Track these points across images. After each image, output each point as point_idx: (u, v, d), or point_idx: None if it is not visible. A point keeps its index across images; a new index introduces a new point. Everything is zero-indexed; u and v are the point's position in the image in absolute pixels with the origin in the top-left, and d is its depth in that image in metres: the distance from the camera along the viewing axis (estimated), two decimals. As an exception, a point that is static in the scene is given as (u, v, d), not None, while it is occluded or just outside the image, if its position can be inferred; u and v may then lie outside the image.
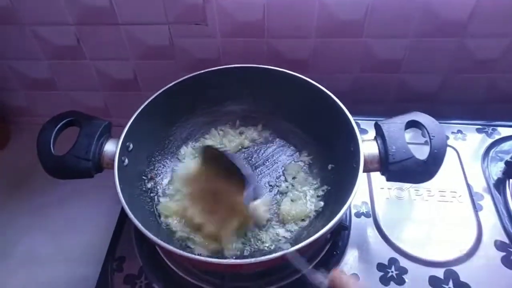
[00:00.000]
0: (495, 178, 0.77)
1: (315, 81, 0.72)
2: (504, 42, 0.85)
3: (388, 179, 0.62)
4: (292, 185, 0.75)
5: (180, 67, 0.91)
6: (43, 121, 0.64)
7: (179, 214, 0.69)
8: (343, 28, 0.83)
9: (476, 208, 0.73)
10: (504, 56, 0.87)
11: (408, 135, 0.67)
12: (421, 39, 0.85)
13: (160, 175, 0.77)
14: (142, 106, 0.69)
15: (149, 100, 0.70)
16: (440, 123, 0.62)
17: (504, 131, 0.85)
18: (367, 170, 0.62)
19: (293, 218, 0.70)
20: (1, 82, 0.97)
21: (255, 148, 0.82)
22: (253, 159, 0.80)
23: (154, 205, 0.72)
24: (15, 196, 0.92)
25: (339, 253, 0.68)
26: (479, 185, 0.76)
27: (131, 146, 0.67)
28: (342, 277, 0.51)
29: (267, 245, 0.67)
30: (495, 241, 0.68)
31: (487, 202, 0.74)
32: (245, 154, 0.81)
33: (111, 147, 0.64)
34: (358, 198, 0.76)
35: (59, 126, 0.63)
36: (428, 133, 0.60)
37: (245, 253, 0.66)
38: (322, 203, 0.71)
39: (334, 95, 0.69)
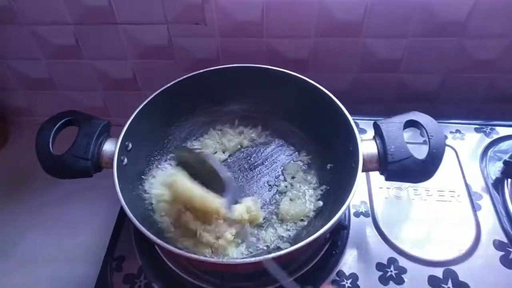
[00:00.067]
0: (494, 177, 0.78)
1: (314, 81, 0.72)
2: (503, 42, 0.85)
3: (387, 179, 0.62)
4: (291, 185, 0.75)
5: (179, 67, 0.91)
6: (42, 120, 0.64)
7: (172, 216, 0.68)
8: (342, 27, 0.83)
9: (475, 207, 0.73)
10: (503, 56, 0.87)
11: (407, 135, 0.68)
12: (420, 39, 0.85)
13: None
14: (141, 106, 0.69)
15: (148, 99, 0.70)
16: (438, 122, 0.62)
17: (502, 131, 0.85)
18: (366, 169, 0.62)
19: (292, 218, 0.70)
20: (0, 82, 0.97)
21: (254, 148, 0.82)
22: (252, 159, 0.80)
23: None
24: (14, 196, 0.92)
25: (338, 253, 0.68)
26: (477, 184, 0.77)
27: (130, 145, 0.67)
28: None
29: (266, 244, 0.67)
30: (494, 241, 0.69)
31: (485, 202, 0.74)
32: (244, 154, 0.81)
33: (110, 147, 0.64)
34: (357, 197, 0.76)
35: (58, 125, 0.63)
36: (427, 132, 0.61)
37: (244, 253, 0.66)
38: (321, 203, 0.71)
39: (333, 95, 0.69)
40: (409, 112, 0.64)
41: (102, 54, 0.90)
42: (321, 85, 0.71)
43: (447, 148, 0.76)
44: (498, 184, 0.76)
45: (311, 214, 0.71)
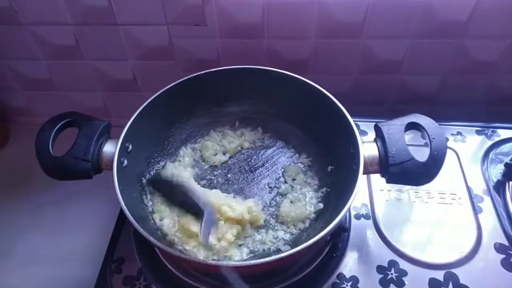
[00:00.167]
0: (495, 180, 0.77)
1: (314, 82, 0.72)
2: (504, 43, 0.85)
3: (388, 181, 0.62)
4: (292, 187, 0.75)
5: (180, 68, 0.91)
6: (42, 121, 0.63)
7: (172, 218, 0.68)
8: (342, 29, 0.83)
9: (476, 210, 0.73)
10: (504, 57, 0.87)
11: (408, 137, 0.67)
12: (421, 40, 0.85)
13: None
14: (142, 107, 0.69)
15: (149, 101, 0.70)
16: (440, 125, 0.62)
17: (503, 133, 0.85)
18: (367, 172, 0.62)
19: (292, 220, 0.70)
20: (0, 82, 0.97)
21: (255, 150, 0.82)
22: (252, 161, 0.80)
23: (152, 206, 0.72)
24: (14, 196, 0.92)
25: (338, 255, 0.68)
26: (479, 187, 0.76)
27: (131, 147, 0.67)
28: None
29: (267, 246, 0.67)
30: (495, 244, 0.68)
31: (486, 205, 0.74)
32: (245, 156, 0.81)
33: (110, 148, 0.63)
34: (357, 200, 0.76)
35: (58, 126, 0.63)
36: (428, 135, 0.60)
37: (245, 255, 0.66)
38: (321, 205, 0.71)
39: (334, 97, 0.69)
40: (410, 114, 0.63)
41: (102, 54, 0.90)
42: (321, 86, 0.71)
43: (448, 151, 0.77)
44: (499, 187, 0.76)
45: (312, 216, 0.71)
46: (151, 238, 0.54)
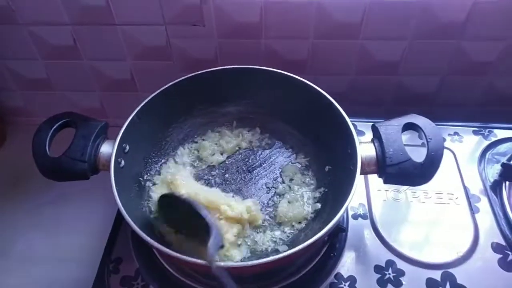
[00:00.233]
0: (492, 180, 0.78)
1: (312, 82, 0.72)
2: (501, 44, 0.85)
3: (385, 182, 0.62)
4: (289, 187, 0.75)
5: (178, 68, 0.91)
6: (40, 121, 0.63)
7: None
8: (340, 29, 0.83)
9: (473, 210, 0.73)
10: (501, 58, 0.87)
11: (405, 137, 0.68)
12: (419, 41, 0.85)
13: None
14: (139, 107, 0.69)
15: (146, 101, 0.70)
16: (437, 125, 0.62)
17: (500, 133, 0.85)
18: (364, 172, 0.62)
19: (290, 220, 0.70)
20: (-3, 82, 0.97)
21: (252, 150, 0.82)
22: (250, 161, 0.80)
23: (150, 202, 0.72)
24: (11, 197, 0.92)
25: (336, 255, 0.68)
26: (475, 187, 0.77)
27: (128, 147, 0.67)
28: None
29: (264, 246, 0.67)
30: (492, 243, 0.69)
31: (483, 204, 0.74)
32: (242, 156, 0.81)
33: (107, 149, 0.63)
34: (355, 200, 0.76)
35: (54, 127, 0.62)
36: (425, 135, 0.60)
37: (245, 255, 0.66)
38: (319, 205, 0.71)
39: (332, 97, 0.69)
40: (407, 114, 0.64)
41: (100, 54, 0.90)
42: (319, 86, 0.71)
43: (445, 151, 0.76)
44: (496, 187, 0.76)
45: (309, 216, 0.71)
46: (148, 239, 0.54)
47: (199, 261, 0.53)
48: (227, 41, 0.86)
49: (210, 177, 0.78)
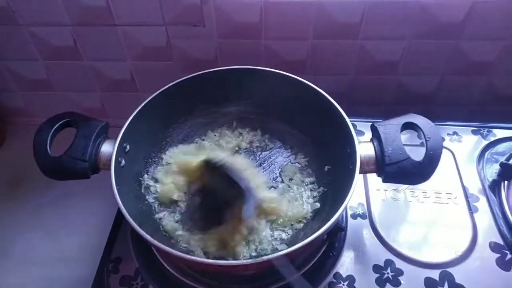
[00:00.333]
0: (490, 180, 0.78)
1: (312, 82, 0.72)
2: (500, 44, 0.85)
3: (384, 180, 0.62)
4: (289, 186, 0.75)
5: (178, 68, 0.92)
6: (40, 121, 0.64)
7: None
8: (340, 29, 0.83)
9: (472, 209, 0.73)
10: (500, 58, 0.88)
11: (404, 137, 0.68)
12: (418, 41, 0.85)
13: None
14: (139, 107, 0.69)
15: (146, 101, 0.70)
16: (435, 124, 0.62)
17: (499, 133, 0.86)
18: (363, 171, 0.62)
19: (289, 219, 0.70)
20: (-2, 83, 0.97)
21: (252, 150, 0.82)
22: (250, 161, 0.80)
23: (151, 202, 0.73)
24: (11, 196, 0.92)
25: (335, 255, 0.68)
26: (474, 186, 0.77)
27: (128, 147, 0.67)
28: None
29: (264, 246, 0.67)
30: (490, 243, 0.69)
31: (482, 204, 0.74)
32: (242, 156, 0.81)
33: (108, 148, 0.64)
34: (354, 199, 0.76)
35: (55, 127, 0.63)
36: (424, 134, 0.61)
37: (252, 253, 0.66)
38: (318, 205, 0.71)
39: (331, 97, 0.69)
40: (406, 114, 0.64)
41: (100, 55, 0.90)
42: (319, 86, 0.71)
43: (444, 150, 0.76)
44: (494, 186, 0.76)
45: (309, 215, 0.71)
46: (148, 237, 0.54)
47: (198, 259, 0.54)
48: (227, 42, 0.87)
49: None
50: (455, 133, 0.86)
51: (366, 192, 0.77)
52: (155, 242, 0.54)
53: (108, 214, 0.75)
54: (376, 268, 0.67)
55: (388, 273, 0.66)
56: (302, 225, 0.70)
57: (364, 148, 0.63)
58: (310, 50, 0.88)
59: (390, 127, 0.63)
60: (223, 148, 0.81)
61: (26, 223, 0.87)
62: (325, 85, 0.71)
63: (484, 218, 0.72)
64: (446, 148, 0.82)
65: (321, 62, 0.90)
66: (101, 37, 0.86)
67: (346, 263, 0.68)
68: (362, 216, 0.74)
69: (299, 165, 0.79)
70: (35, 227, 0.86)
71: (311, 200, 0.73)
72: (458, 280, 0.65)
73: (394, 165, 0.60)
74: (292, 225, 0.70)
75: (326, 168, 0.75)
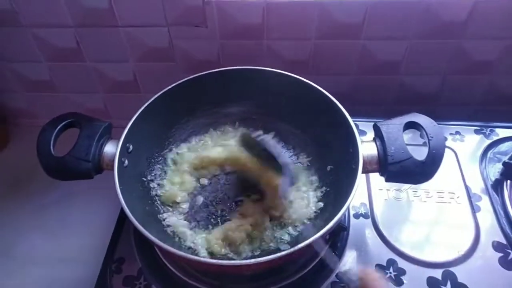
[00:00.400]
0: (493, 179, 0.78)
1: (314, 82, 0.72)
2: (502, 43, 0.85)
3: (387, 180, 0.62)
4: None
5: (180, 69, 0.92)
6: (43, 123, 0.64)
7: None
8: (342, 30, 0.84)
9: (474, 209, 0.73)
10: (502, 57, 0.87)
11: (407, 136, 0.68)
12: (420, 41, 0.85)
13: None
14: (142, 108, 0.69)
15: (149, 101, 0.70)
16: (438, 124, 0.62)
17: (502, 132, 0.85)
18: (366, 171, 0.62)
19: (292, 219, 0.70)
20: (1, 84, 0.98)
21: (255, 150, 0.82)
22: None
23: (154, 202, 0.73)
24: (14, 197, 0.92)
25: (338, 254, 0.68)
26: (477, 186, 0.77)
27: (131, 147, 0.68)
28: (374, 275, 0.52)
29: (267, 245, 0.68)
30: (493, 242, 0.69)
31: (485, 203, 0.74)
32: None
33: (111, 149, 0.64)
34: (356, 199, 0.76)
35: (59, 127, 0.63)
36: (427, 134, 0.61)
37: (255, 252, 0.67)
38: (321, 204, 0.71)
39: (333, 97, 0.69)
40: (409, 113, 0.64)
41: (103, 56, 0.90)
42: (321, 87, 0.71)
43: (446, 150, 0.77)
44: (497, 186, 0.76)
45: (312, 215, 0.71)
46: (151, 237, 0.55)
47: (201, 259, 0.54)
48: (230, 42, 0.87)
49: (212, 177, 0.78)
50: (457, 132, 0.86)
51: (369, 191, 0.77)
52: (158, 242, 0.54)
53: (111, 214, 0.75)
54: (379, 267, 0.67)
55: (390, 273, 0.66)
56: (305, 224, 0.70)
57: (367, 147, 0.63)
58: (312, 50, 0.88)
59: (392, 127, 0.63)
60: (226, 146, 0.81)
61: (29, 224, 0.87)
62: (327, 85, 0.72)
63: (487, 217, 0.72)
64: (448, 147, 0.82)
65: (323, 62, 0.90)
66: (103, 38, 0.86)
67: (348, 263, 0.68)
68: (365, 216, 0.74)
69: (302, 165, 0.79)
70: (38, 227, 0.87)
71: (313, 200, 0.73)
72: (460, 279, 0.65)
73: (397, 164, 0.60)
74: (295, 224, 0.70)
75: (328, 167, 0.75)
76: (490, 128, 0.86)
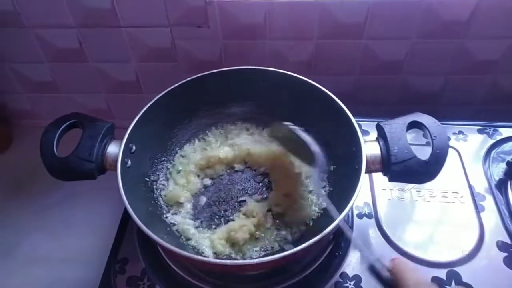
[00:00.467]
0: (497, 178, 0.78)
1: (317, 82, 0.72)
2: (505, 43, 0.85)
3: (390, 180, 0.62)
4: (295, 186, 0.75)
5: (182, 69, 0.92)
6: (46, 123, 0.64)
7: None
8: (344, 29, 0.83)
9: (478, 209, 0.73)
10: (505, 57, 0.87)
11: (410, 136, 0.67)
12: (422, 40, 0.85)
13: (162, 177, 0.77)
14: (145, 108, 0.69)
15: (152, 102, 0.70)
16: (441, 124, 0.62)
17: (505, 132, 0.85)
18: (369, 170, 0.62)
19: (296, 219, 0.70)
20: (4, 85, 0.98)
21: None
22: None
23: (157, 203, 0.73)
24: (17, 198, 0.92)
25: (341, 254, 0.68)
26: (481, 186, 0.77)
27: (134, 147, 0.68)
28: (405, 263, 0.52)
29: (270, 245, 0.67)
30: (497, 242, 0.69)
31: (489, 203, 0.74)
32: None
33: (114, 149, 0.64)
34: (360, 199, 0.76)
35: (62, 127, 0.63)
36: (430, 133, 0.61)
37: (260, 251, 0.67)
38: (324, 204, 0.71)
39: (336, 97, 0.69)
40: (412, 113, 0.64)
41: (105, 56, 0.90)
42: (324, 86, 0.71)
43: (450, 150, 0.76)
44: (501, 185, 0.76)
45: (315, 215, 0.71)
46: (155, 237, 0.55)
47: (205, 259, 0.54)
48: (232, 42, 0.87)
49: (216, 177, 0.78)
50: (461, 132, 0.86)
51: (372, 191, 0.77)
52: (162, 242, 0.54)
53: (115, 214, 0.75)
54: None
55: (394, 273, 0.66)
56: (308, 224, 0.70)
57: (370, 147, 0.63)
58: (314, 50, 0.88)
59: (395, 126, 0.63)
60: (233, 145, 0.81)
61: (32, 224, 0.87)
62: (329, 85, 0.71)
63: (491, 217, 0.72)
64: (452, 147, 0.82)
65: (325, 62, 0.90)
66: (106, 39, 0.86)
67: (352, 263, 0.68)
68: (368, 216, 0.74)
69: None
70: (41, 228, 0.87)
71: (317, 200, 0.73)
72: (465, 279, 0.64)
73: (400, 164, 0.60)
74: (298, 224, 0.70)
75: (331, 167, 0.75)
76: (493, 128, 0.86)
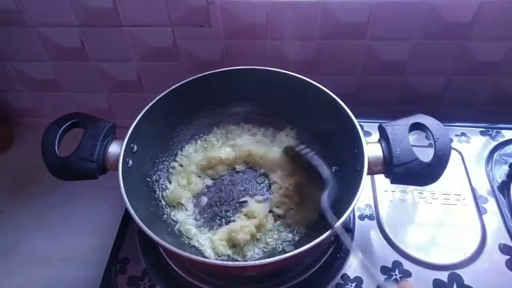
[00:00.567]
0: (499, 181, 0.77)
1: (319, 83, 0.72)
2: (508, 44, 0.85)
3: (392, 182, 0.62)
4: (296, 187, 0.75)
5: (184, 69, 0.92)
6: (47, 122, 0.64)
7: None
8: (346, 30, 0.83)
9: (480, 211, 0.73)
10: (508, 58, 0.87)
11: (412, 138, 0.67)
12: (425, 41, 0.85)
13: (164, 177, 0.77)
14: (146, 108, 0.69)
15: (153, 101, 0.70)
16: (444, 125, 0.62)
17: (508, 134, 0.85)
18: (371, 172, 0.62)
19: (297, 220, 0.70)
20: (5, 83, 0.98)
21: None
22: (256, 161, 0.80)
23: (159, 203, 0.73)
24: (18, 197, 0.92)
25: (343, 256, 0.68)
26: (483, 188, 0.76)
27: (136, 147, 0.68)
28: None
29: (272, 247, 0.67)
30: (500, 245, 0.68)
31: (491, 205, 0.74)
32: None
33: (115, 149, 0.64)
34: (362, 200, 0.76)
35: (63, 127, 0.63)
36: (432, 135, 0.60)
37: (261, 252, 0.67)
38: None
39: (338, 97, 0.69)
40: (414, 114, 0.64)
41: (107, 56, 0.90)
42: (325, 87, 0.71)
43: (452, 151, 0.76)
44: (503, 188, 0.76)
45: (316, 216, 0.71)
46: (156, 237, 0.54)
47: (206, 260, 0.54)
48: (234, 42, 0.87)
49: (217, 178, 0.78)
50: (463, 134, 0.86)
51: (374, 193, 0.77)
52: (162, 243, 0.54)
53: (116, 214, 0.75)
54: (384, 269, 0.67)
55: (396, 275, 0.66)
56: (309, 226, 0.70)
57: (372, 149, 0.62)
58: (316, 50, 0.88)
59: (398, 128, 0.62)
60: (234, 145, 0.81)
61: (33, 224, 0.87)
62: (331, 85, 0.71)
63: (493, 219, 0.72)
64: (454, 149, 0.82)
65: (327, 63, 0.90)
66: (107, 38, 0.86)
67: (353, 265, 0.67)
68: (370, 217, 0.73)
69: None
70: (42, 227, 0.87)
71: (318, 201, 0.72)
72: (467, 282, 0.64)
73: (402, 166, 0.60)
74: (299, 226, 0.70)
75: (333, 169, 0.74)
76: (496, 130, 0.86)
